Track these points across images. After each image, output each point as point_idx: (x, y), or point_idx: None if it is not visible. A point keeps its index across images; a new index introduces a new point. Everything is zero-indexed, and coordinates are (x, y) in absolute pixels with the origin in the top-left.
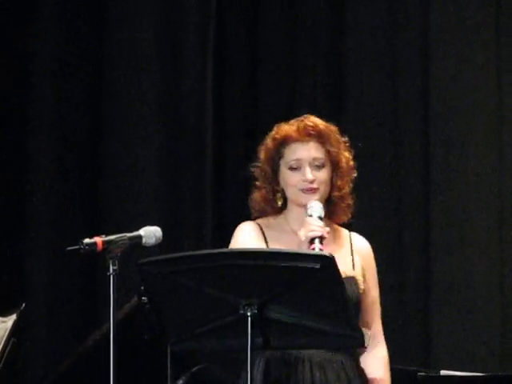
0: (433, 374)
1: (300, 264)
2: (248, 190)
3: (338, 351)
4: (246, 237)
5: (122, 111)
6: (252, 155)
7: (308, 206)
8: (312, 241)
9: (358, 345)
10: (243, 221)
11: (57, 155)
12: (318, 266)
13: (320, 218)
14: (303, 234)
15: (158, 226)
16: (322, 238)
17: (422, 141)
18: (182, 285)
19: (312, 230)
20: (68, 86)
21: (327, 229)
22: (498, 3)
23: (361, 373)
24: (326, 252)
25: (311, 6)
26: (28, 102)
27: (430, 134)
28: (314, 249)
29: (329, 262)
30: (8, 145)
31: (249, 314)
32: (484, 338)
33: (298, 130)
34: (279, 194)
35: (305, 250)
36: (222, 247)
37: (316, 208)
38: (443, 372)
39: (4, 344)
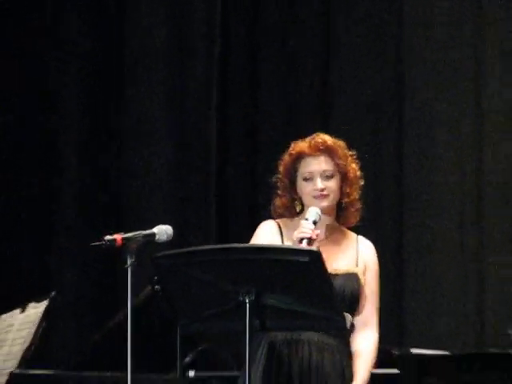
0: (405, 352)
1: (291, 258)
2: (250, 194)
3: (333, 336)
4: (266, 233)
5: (137, 124)
6: (252, 158)
7: (307, 211)
8: (301, 241)
9: (340, 327)
10: (244, 221)
11: (82, 158)
12: (306, 260)
13: (314, 223)
14: (295, 235)
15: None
16: (310, 240)
17: (396, 147)
18: (191, 275)
19: (302, 232)
20: (91, 102)
21: (317, 231)
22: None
23: (351, 357)
24: (314, 248)
25: (309, 8)
26: (54, 109)
27: (404, 140)
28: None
29: (316, 257)
30: (40, 146)
31: (247, 300)
32: (452, 322)
33: (309, 146)
34: (297, 202)
35: (296, 245)
36: (225, 243)
37: (312, 213)
38: (413, 350)
39: (38, 325)
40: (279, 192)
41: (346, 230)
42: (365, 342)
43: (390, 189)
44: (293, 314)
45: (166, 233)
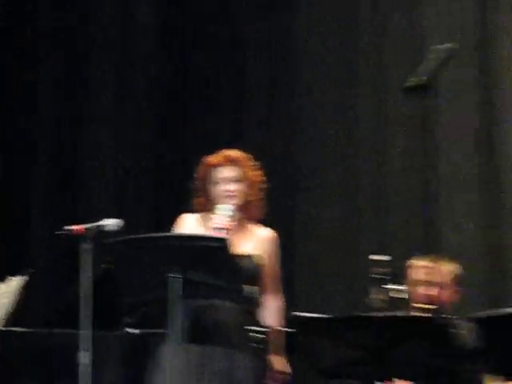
0: (295, 315)
1: (206, 243)
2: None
3: (238, 303)
4: (187, 223)
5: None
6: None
7: (220, 207)
8: (217, 230)
9: (243, 296)
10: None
11: (54, 160)
12: (217, 245)
13: (229, 216)
14: (213, 226)
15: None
16: (226, 229)
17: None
18: (133, 256)
19: (216, 223)
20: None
21: (231, 222)
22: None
23: (254, 320)
24: (223, 236)
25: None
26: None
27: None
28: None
29: (224, 242)
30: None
31: (175, 276)
32: (334, 292)
33: (219, 159)
34: (211, 201)
35: (210, 234)
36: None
37: (223, 209)
38: (302, 314)
39: (19, 293)
40: (198, 194)
41: (252, 221)
42: (270, 311)
43: (285, 184)
44: (209, 285)
45: (117, 225)
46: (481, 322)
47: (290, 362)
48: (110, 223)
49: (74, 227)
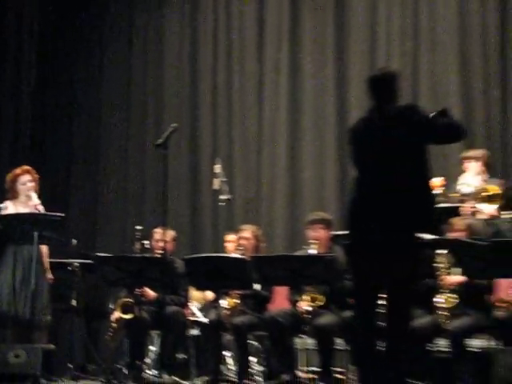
0: (93, 254)
1: (52, 218)
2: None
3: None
4: (8, 206)
5: None
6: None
7: (31, 195)
8: (36, 205)
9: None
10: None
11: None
12: (59, 218)
13: (37, 197)
14: (33, 203)
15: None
16: (39, 203)
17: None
18: (14, 223)
19: (35, 202)
20: None
21: (39, 201)
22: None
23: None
24: (62, 214)
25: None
26: None
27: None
28: (37, 206)
29: (62, 217)
30: None
31: (35, 234)
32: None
33: (21, 170)
34: (18, 194)
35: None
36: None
37: (34, 195)
38: (97, 254)
39: None
40: (10, 192)
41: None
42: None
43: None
44: (45, 237)
45: (5, 206)
46: (186, 261)
47: (95, 279)
48: (1, 205)
49: None
